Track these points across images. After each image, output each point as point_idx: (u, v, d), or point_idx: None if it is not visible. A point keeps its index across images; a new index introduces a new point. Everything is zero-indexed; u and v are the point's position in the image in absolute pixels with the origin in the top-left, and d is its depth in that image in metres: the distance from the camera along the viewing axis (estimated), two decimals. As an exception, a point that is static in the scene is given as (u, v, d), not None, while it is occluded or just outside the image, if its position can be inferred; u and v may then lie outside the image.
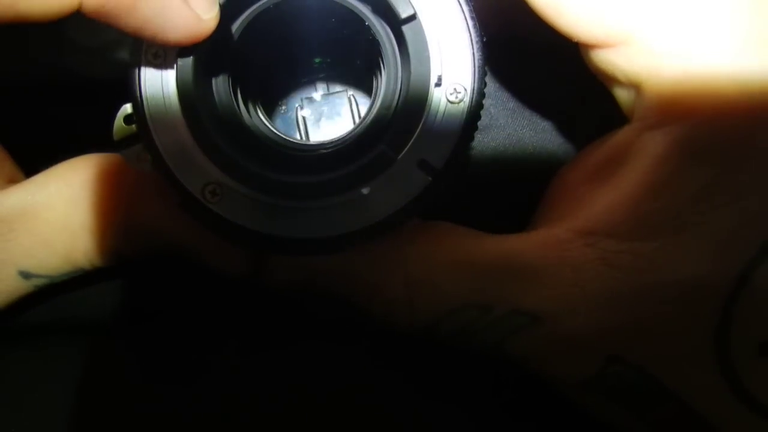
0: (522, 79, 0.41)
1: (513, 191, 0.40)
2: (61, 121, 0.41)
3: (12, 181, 0.36)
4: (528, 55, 0.39)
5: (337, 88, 0.38)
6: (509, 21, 0.35)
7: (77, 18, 0.39)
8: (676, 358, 0.29)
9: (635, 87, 0.32)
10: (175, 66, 0.29)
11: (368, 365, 0.38)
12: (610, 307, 0.29)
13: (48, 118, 0.41)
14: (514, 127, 0.41)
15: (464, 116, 0.29)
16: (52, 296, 0.38)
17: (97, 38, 0.41)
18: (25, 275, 0.33)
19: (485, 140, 0.40)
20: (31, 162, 0.41)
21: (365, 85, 0.37)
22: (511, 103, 0.41)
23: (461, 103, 0.29)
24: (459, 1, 0.29)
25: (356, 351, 0.38)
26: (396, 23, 0.29)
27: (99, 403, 0.38)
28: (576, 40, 0.32)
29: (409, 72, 0.29)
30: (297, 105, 0.38)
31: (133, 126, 0.30)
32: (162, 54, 0.29)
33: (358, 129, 0.31)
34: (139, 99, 0.29)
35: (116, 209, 0.33)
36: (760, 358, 0.29)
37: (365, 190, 0.29)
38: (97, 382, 0.38)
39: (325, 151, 0.30)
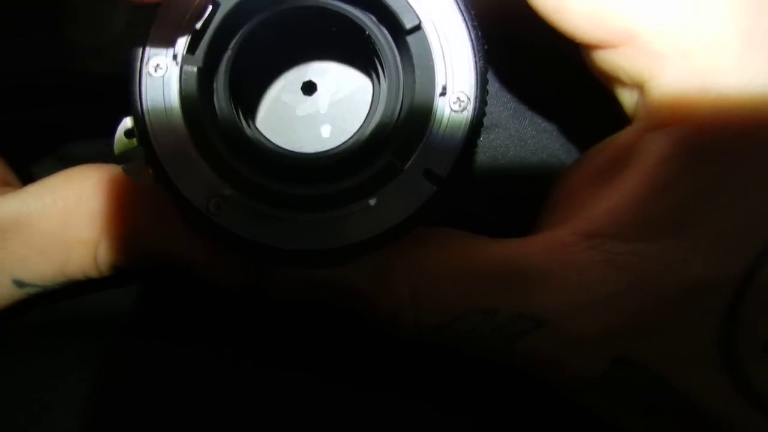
0: (523, 79, 0.40)
1: (515, 191, 0.40)
2: (60, 122, 0.41)
3: (5, 183, 0.36)
4: (530, 55, 0.39)
5: (330, 93, 0.37)
6: (511, 21, 0.35)
7: (77, 18, 0.39)
8: (682, 358, 0.30)
9: (638, 88, 0.32)
10: (177, 78, 0.29)
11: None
12: (616, 309, 0.30)
13: (47, 118, 0.41)
14: (516, 128, 0.40)
15: (468, 125, 0.29)
16: (51, 300, 0.37)
17: (98, 38, 0.40)
18: (19, 284, 0.33)
19: (487, 141, 0.40)
20: (30, 163, 0.40)
21: (358, 90, 0.37)
22: (513, 104, 0.41)
23: (464, 112, 0.29)
24: (461, 9, 0.29)
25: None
26: (400, 33, 0.29)
27: (98, 404, 0.38)
28: (578, 41, 0.32)
29: (413, 81, 0.29)
30: (289, 111, 0.37)
31: (134, 140, 0.30)
32: (163, 66, 0.29)
33: (359, 137, 0.31)
34: (140, 112, 0.29)
35: (113, 223, 0.33)
36: (766, 356, 0.29)
37: (372, 201, 0.29)
38: (96, 383, 0.38)
39: (328, 160, 0.30)
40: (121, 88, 0.29)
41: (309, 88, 0.36)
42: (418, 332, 0.32)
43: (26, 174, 0.40)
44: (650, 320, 0.29)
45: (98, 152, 0.39)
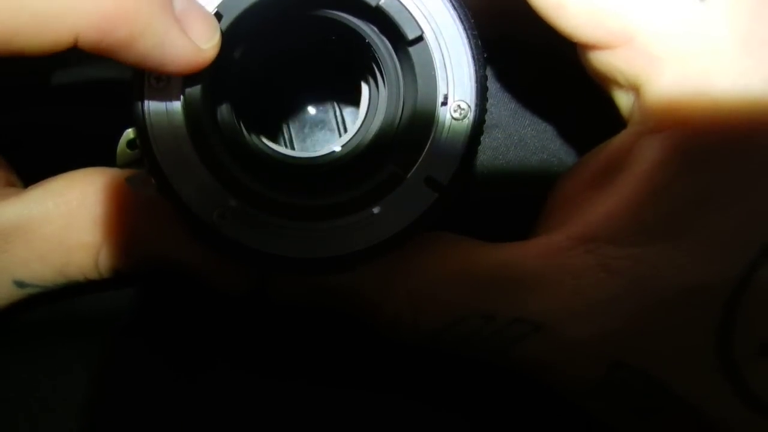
0: (523, 78, 0.40)
1: (515, 192, 0.40)
2: (61, 122, 0.41)
3: (9, 184, 0.36)
4: (530, 55, 0.39)
5: (322, 99, 0.37)
6: (510, 20, 0.35)
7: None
8: (680, 361, 0.30)
9: (634, 90, 0.32)
10: (180, 90, 0.29)
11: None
12: (612, 314, 0.30)
13: (49, 118, 0.41)
14: (516, 127, 0.41)
15: (468, 132, 0.29)
16: (51, 299, 0.38)
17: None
18: (20, 284, 0.33)
19: (486, 141, 0.40)
20: (32, 163, 0.40)
21: (348, 96, 0.37)
22: (513, 104, 0.41)
23: (465, 120, 0.29)
24: (460, 19, 0.29)
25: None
26: (402, 44, 0.29)
27: (98, 403, 0.38)
28: (576, 41, 0.32)
29: (414, 90, 0.29)
30: (282, 116, 0.37)
31: (137, 151, 0.30)
32: (165, 78, 0.29)
33: (360, 144, 0.31)
34: (142, 124, 0.29)
35: (115, 228, 0.33)
36: (763, 358, 0.29)
37: (376, 210, 0.29)
38: (96, 383, 0.39)
39: (330, 168, 0.30)
40: (123, 89, 0.29)
41: (309, 89, 0.36)
42: (417, 336, 0.32)
43: (29, 175, 0.40)
44: (647, 324, 0.29)
45: (102, 153, 0.40)
